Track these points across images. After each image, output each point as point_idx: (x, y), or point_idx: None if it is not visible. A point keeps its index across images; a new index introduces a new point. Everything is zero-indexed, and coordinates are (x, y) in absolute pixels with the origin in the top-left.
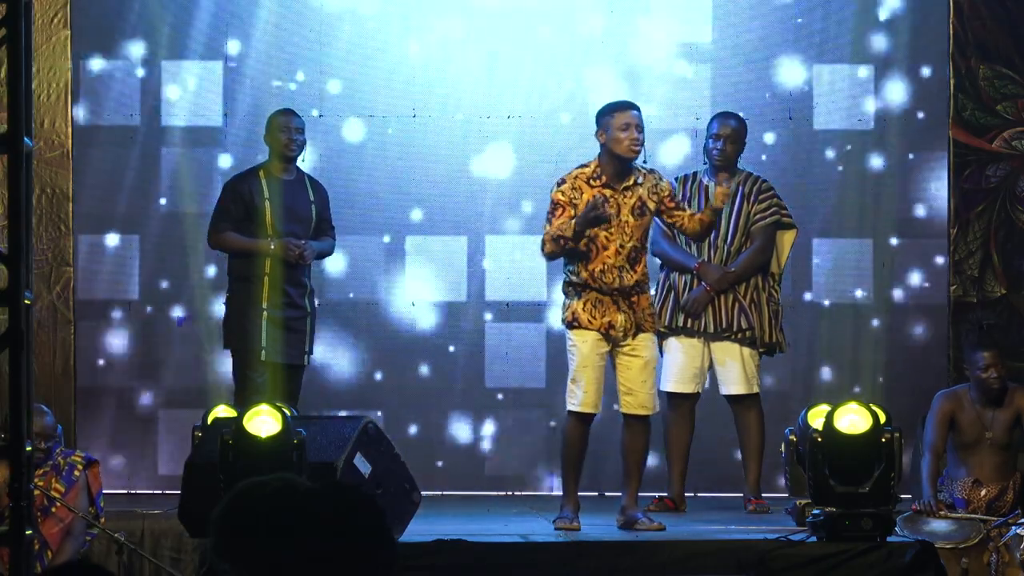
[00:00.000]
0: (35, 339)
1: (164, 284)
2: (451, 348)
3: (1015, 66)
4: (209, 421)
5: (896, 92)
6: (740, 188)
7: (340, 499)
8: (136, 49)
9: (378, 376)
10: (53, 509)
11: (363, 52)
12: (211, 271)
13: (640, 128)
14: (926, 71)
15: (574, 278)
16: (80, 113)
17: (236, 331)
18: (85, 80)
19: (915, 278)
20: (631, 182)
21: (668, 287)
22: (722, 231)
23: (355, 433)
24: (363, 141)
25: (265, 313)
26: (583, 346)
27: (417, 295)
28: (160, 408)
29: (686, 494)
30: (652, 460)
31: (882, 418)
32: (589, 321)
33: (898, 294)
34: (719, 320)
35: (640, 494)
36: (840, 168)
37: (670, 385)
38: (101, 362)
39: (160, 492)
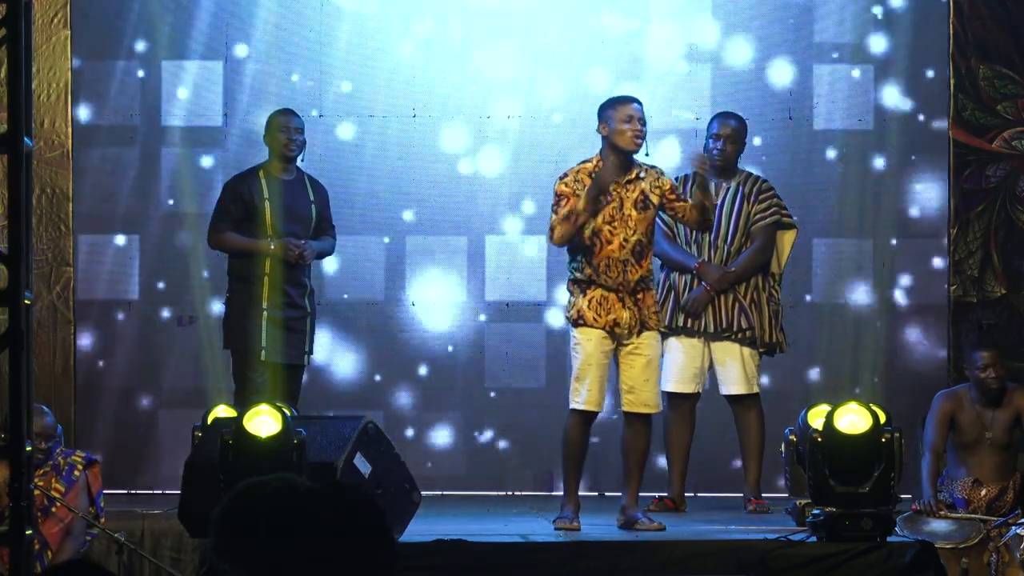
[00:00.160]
0: (35, 339)
1: (164, 284)
2: (451, 348)
3: (1015, 66)
4: (209, 421)
5: (896, 92)
6: (740, 188)
7: (340, 499)
8: (136, 49)
9: (378, 376)
10: (53, 509)
11: (363, 52)
12: (211, 271)
13: (642, 121)
14: (926, 71)
15: (578, 275)
16: (80, 113)
17: (236, 331)
18: (85, 80)
19: (915, 278)
20: (633, 176)
21: (668, 287)
22: (722, 231)
23: (355, 433)
24: (363, 141)
25: (265, 313)
26: (587, 344)
27: (417, 295)
28: (160, 408)
29: (686, 494)
30: (652, 460)
31: (882, 418)
32: (594, 319)
33: (898, 294)
34: (719, 320)
35: (640, 494)
36: (840, 168)
37: (670, 385)
38: (101, 362)
39: (160, 492)
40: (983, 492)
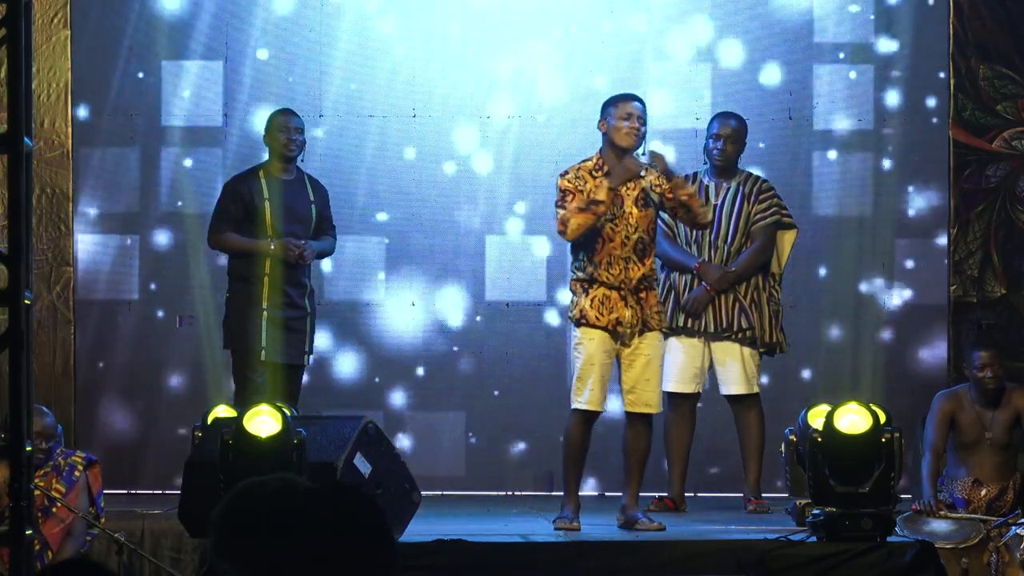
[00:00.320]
0: (35, 339)
1: (164, 284)
2: (450, 348)
3: (1015, 66)
4: (209, 421)
5: (896, 92)
6: (740, 188)
7: (340, 499)
8: (136, 49)
9: (378, 376)
10: (54, 509)
11: (363, 52)
12: (211, 271)
13: (642, 120)
14: (926, 71)
15: (581, 274)
16: (80, 113)
17: (236, 331)
18: (85, 80)
19: (915, 278)
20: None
21: (669, 287)
22: (722, 231)
23: (355, 433)
24: (363, 141)
25: (265, 313)
26: (590, 344)
27: (417, 295)
28: (160, 408)
29: (686, 494)
30: (652, 460)
31: (882, 418)
32: (596, 318)
33: (898, 294)
34: (719, 320)
35: (640, 494)
36: (840, 168)
37: (670, 385)
38: (101, 362)
39: (160, 492)
40: (983, 492)
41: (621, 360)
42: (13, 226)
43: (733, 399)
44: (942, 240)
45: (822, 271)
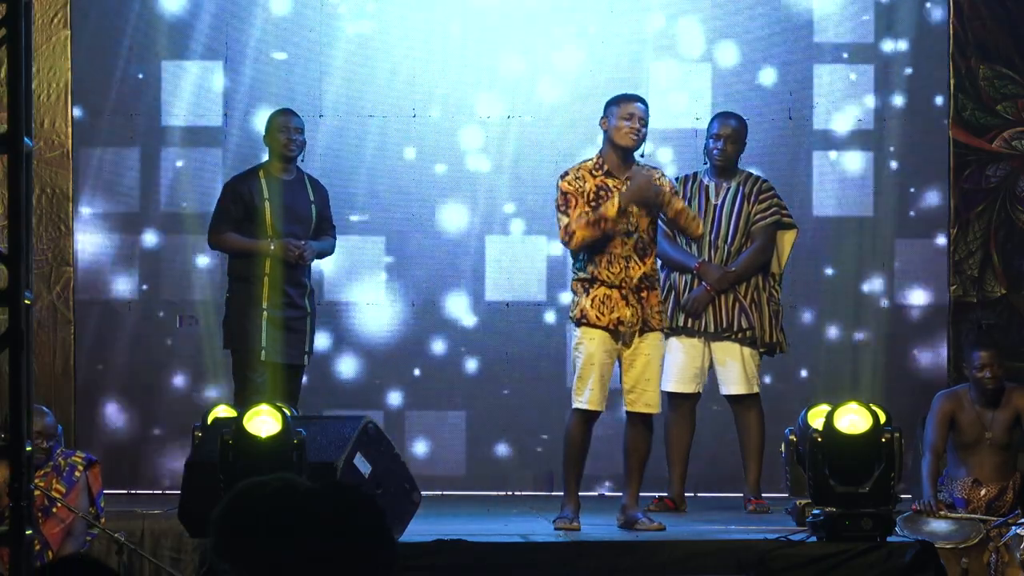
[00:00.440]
0: (35, 339)
1: (164, 284)
2: (451, 348)
3: (1015, 66)
4: (209, 421)
5: (896, 92)
6: (741, 188)
7: (340, 499)
8: (137, 49)
9: (378, 376)
10: (54, 509)
11: (363, 52)
12: (211, 271)
13: (643, 122)
14: (926, 71)
15: (582, 273)
16: (80, 113)
17: (236, 331)
18: (85, 80)
19: (915, 278)
20: (633, 172)
21: (669, 287)
22: (722, 231)
23: (355, 433)
24: (363, 141)
25: (265, 313)
26: (590, 344)
27: (417, 295)
28: (160, 408)
29: (686, 494)
30: (652, 460)
31: (882, 418)
32: (597, 318)
33: (898, 294)
34: (719, 320)
35: (640, 494)
36: (840, 168)
37: (670, 385)
38: (101, 362)
39: (160, 492)
40: (983, 492)
41: (622, 360)
42: (13, 226)
43: (733, 399)
44: (942, 240)
45: (822, 271)
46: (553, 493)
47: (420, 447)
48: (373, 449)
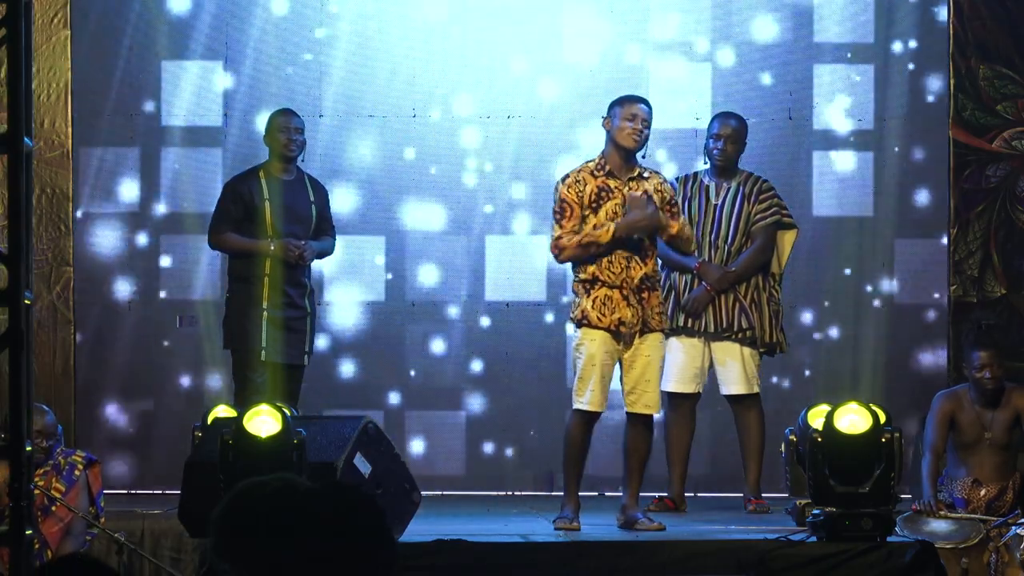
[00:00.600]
0: (35, 339)
1: (164, 284)
2: (451, 348)
3: (1015, 66)
4: (209, 421)
5: (896, 92)
6: (741, 188)
7: (340, 499)
8: (137, 49)
9: (378, 376)
10: (53, 509)
11: (363, 52)
12: (211, 271)
13: (646, 123)
14: (926, 71)
15: (582, 274)
16: (81, 113)
17: (236, 331)
18: (85, 80)
19: (915, 278)
20: (635, 174)
21: (669, 287)
22: (722, 231)
23: (355, 433)
24: (363, 141)
25: (265, 313)
26: (591, 344)
27: (417, 295)
28: (160, 408)
29: (686, 494)
30: (652, 460)
31: (882, 418)
32: (598, 319)
33: (898, 294)
34: (719, 320)
35: (640, 494)
36: (840, 168)
37: (670, 385)
38: (101, 362)
39: (160, 492)
40: (983, 492)
41: (622, 361)
42: (13, 226)
43: (733, 399)
44: (942, 240)
45: (822, 271)
46: (553, 493)
47: (420, 447)
48: (373, 449)
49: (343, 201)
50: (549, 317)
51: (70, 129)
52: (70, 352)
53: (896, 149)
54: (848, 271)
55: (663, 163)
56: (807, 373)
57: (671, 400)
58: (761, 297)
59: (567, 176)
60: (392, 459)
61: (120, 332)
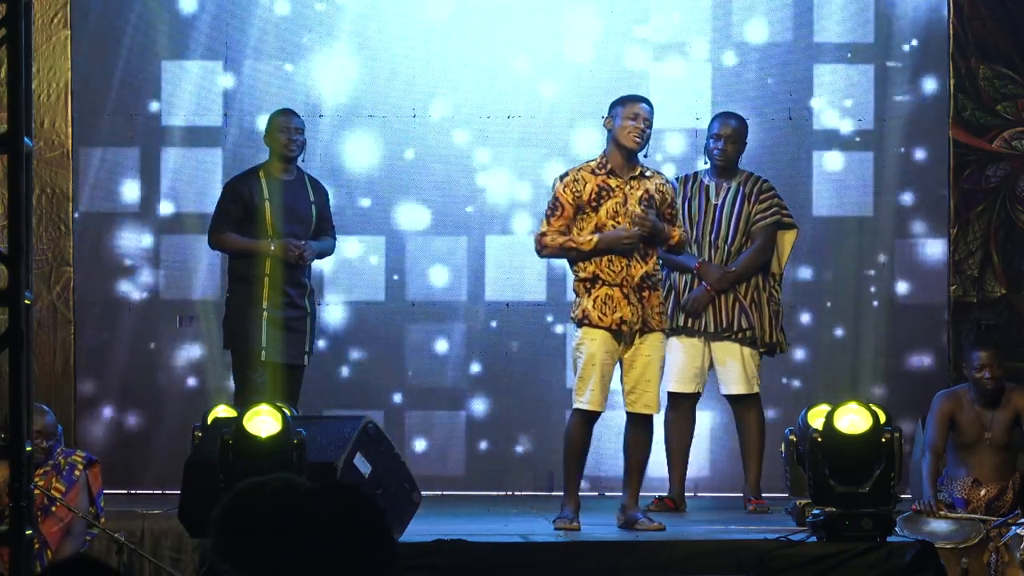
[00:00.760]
0: (35, 339)
1: (164, 284)
2: (451, 348)
3: (1015, 66)
4: (209, 421)
5: (896, 92)
6: (741, 188)
7: (340, 499)
8: (137, 49)
9: (378, 376)
10: (53, 509)
11: (364, 52)
12: (211, 271)
13: (647, 123)
14: (926, 71)
15: (582, 274)
16: (81, 113)
17: (236, 331)
18: (86, 80)
19: (915, 278)
20: (637, 173)
21: (669, 287)
22: (722, 231)
23: (355, 433)
24: (363, 141)
25: (265, 313)
26: (591, 344)
27: (417, 295)
28: (160, 408)
29: (686, 494)
30: (652, 460)
31: (882, 418)
32: (599, 319)
33: (898, 294)
34: (719, 320)
35: (640, 494)
36: (840, 168)
37: (670, 385)
38: (101, 362)
39: (160, 492)
40: (982, 492)
41: (622, 361)
42: (13, 226)
43: (733, 399)
44: (942, 240)
45: (822, 271)
46: (553, 493)
47: (420, 447)
48: (373, 449)
49: (343, 201)
50: (549, 317)
51: (70, 129)
52: (70, 352)
53: (896, 149)
54: (848, 271)
55: (662, 163)
56: (807, 373)
57: (671, 400)
58: (761, 297)
59: (566, 174)
60: (392, 459)
61: (120, 332)
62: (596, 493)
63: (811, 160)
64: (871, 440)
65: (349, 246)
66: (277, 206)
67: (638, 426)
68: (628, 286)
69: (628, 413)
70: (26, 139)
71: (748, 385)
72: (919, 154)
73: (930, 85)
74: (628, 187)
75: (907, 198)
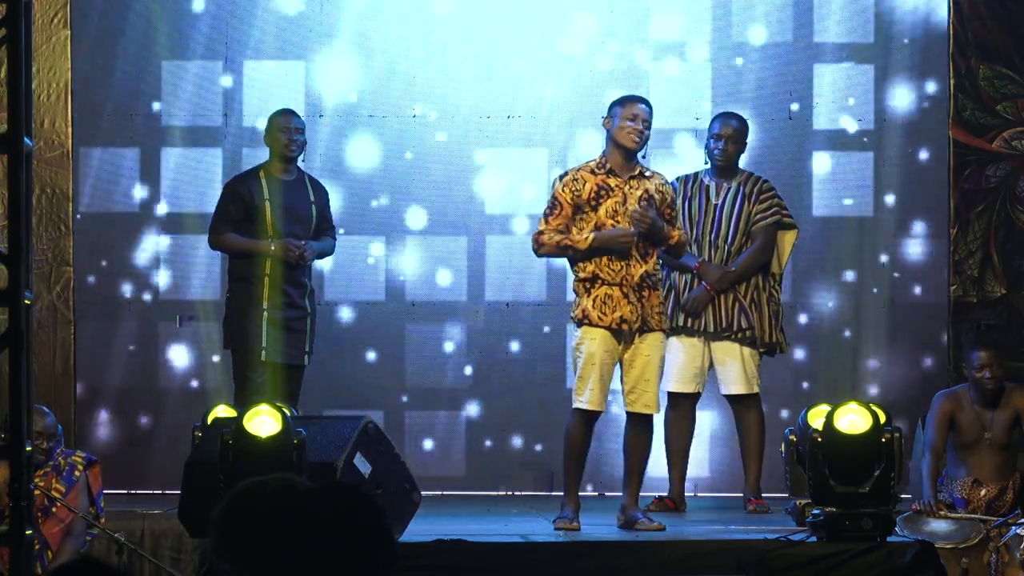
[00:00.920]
0: (35, 339)
1: (164, 284)
2: (451, 348)
3: (1015, 66)
4: (209, 421)
5: (896, 92)
6: (741, 188)
7: (340, 499)
8: (136, 49)
9: (378, 376)
10: (53, 509)
11: (364, 52)
12: (211, 271)
13: (647, 124)
14: (926, 71)
15: (582, 273)
16: (80, 113)
17: (236, 331)
18: (86, 80)
19: (915, 278)
20: (636, 173)
21: (669, 287)
22: (723, 231)
23: (355, 433)
24: (363, 141)
25: (265, 313)
26: (591, 343)
27: (417, 295)
28: (160, 408)
29: (686, 494)
30: (652, 460)
31: (882, 418)
32: (599, 318)
33: (898, 294)
34: (719, 320)
35: (640, 494)
36: (840, 168)
37: (670, 385)
38: (101, 362)
39: (160, 492)
40: (983, 492)
41: (622, 361)
42: (13, 226)
43: (733, 399)
44: (942, 240)
45: (822, 271)
46: (553, 493)
47: (420, 447)
48: (373, 449)
49: (343, 201)
50: (549, 317)
51: (70, 129)
52: (70, 352)
53: (896, 149)
54: (848, 271)
55: (662, 163)
56: (807, 373)
57: (671, 400)
58: (761, 297)
59: (565, 174)
60: (392, 459)
61: (120, 332)
62: (596, 493)
63: (811, 160)
64: (871, 440)
65: (349, 246)
66: (277, 206)
67: (637, 426)
68: (628, 285)
69: (627, 413)
70: (26, 139)
71: (748, 385)
72: (919, 154)
73: (930, 85)
74: (627, 187)
75: (907, 198)
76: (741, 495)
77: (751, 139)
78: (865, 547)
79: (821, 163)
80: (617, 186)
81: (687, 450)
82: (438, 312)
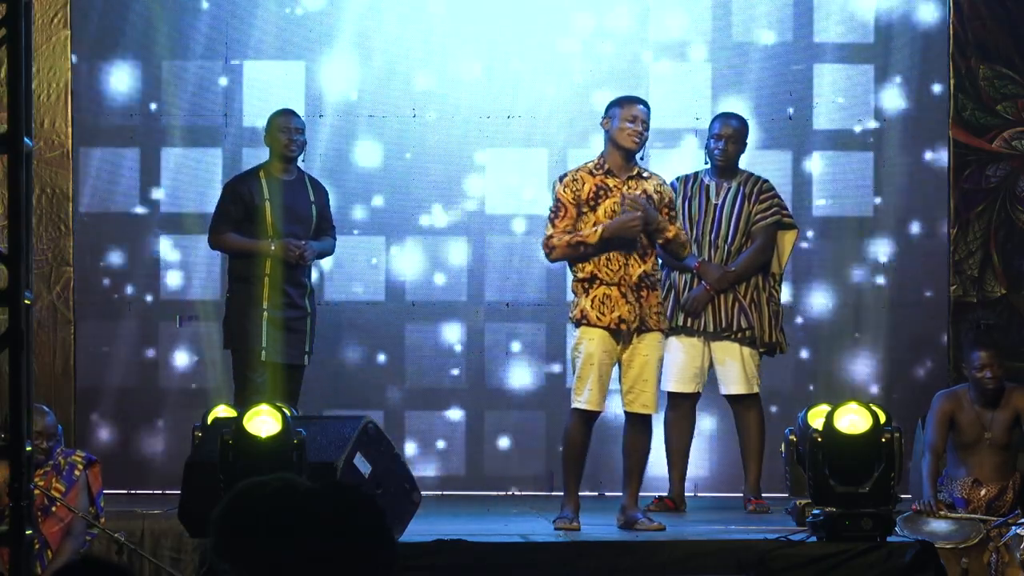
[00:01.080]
0: (35, 339)
1: (164, 284)
2: (451, 348)
3: (1015, 66)
4: (209, 421)
5: (896, 92)
6: (741, 188)
7: (340, 499)
8: (136, 49)
9: (378, 376)
10: (53, 509)
11: (363, 52)
12: (211, 271)
13: (645, 124)
14: (926, 70)
15: (580, 274)
16: (80, 113)
17: (236, 331)
18: (85, 80)
19: (915, 278)
20: (635, 173)
21: (669, 287)
22: (723, 231)
23: (355, 433)
24: (363, 141)
25: (265, 313)
26: (590, 344)
27: (417, 295)
28: (160, 408)
29: (686, 494)
30: (652, 460)
31: (882, 418)
32: (598, 318)
33: (898, 294)
34: (719, 320)
35: (640, 494)
36: (840, 168)
37: (670, 385)
38: (101, 363)
39: (160, 492)
40: (983, 492)
41: (620, 361)
42: (13, 226)
43: (733, 399)
44: (942, 240)
45: (822, 271)
46: (553, 493)
47: (420, 447)
48: (373, 449)
49: (343, 201)
50: (549, 317)
51: (70, 129)
52: (70, 352)
53: (896, 149)
54: (848, 271)
55: (662, 163)
56: (807, 373)
57: (671, 400)
58: (761, 297)
59: (565, 175)
60: (392, 459)
61: (120, 332)
62: (596, 493)
63: (811, 160)
64: (871, 440)
65: (349, 246)
66: (277, 206)
67: (636, 426)
68: (626, 285)
69: (626, 413)
70: (26, 139)
71: (748, 385)
72: (919, 154)
73: (930, 85)
74: (626, 187)
75: (907, 198)
76: (741, 495)
77: (751, 139)
78: (865, 547)
79: (821, 163)
80: (615, 186)
81: (687, 450)
82: (438, 312)
